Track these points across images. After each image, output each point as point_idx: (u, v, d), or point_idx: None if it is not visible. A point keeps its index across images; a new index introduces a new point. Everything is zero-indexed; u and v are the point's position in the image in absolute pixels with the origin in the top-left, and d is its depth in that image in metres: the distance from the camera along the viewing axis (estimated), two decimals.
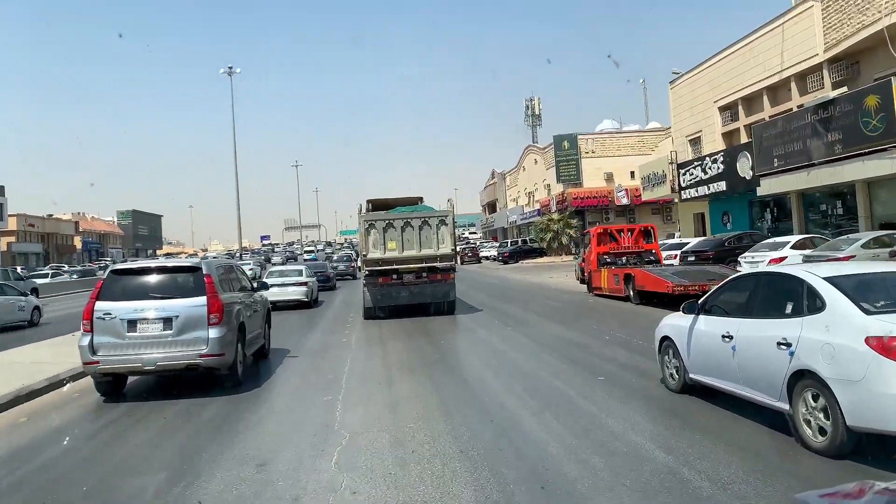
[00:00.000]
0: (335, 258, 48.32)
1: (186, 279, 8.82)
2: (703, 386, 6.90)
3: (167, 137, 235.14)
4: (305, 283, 21.68)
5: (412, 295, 16.99)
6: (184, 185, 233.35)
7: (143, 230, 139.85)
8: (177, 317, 8.41)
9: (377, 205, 18.83)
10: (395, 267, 16.63)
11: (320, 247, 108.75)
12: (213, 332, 8.45)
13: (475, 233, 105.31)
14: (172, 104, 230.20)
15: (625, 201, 49.07)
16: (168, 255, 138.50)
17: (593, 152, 50.37)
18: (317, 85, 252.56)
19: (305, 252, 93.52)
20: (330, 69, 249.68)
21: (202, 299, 8.50)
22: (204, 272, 8.78)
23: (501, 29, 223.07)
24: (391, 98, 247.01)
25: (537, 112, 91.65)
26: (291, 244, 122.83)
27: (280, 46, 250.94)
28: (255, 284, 11.66)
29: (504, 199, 75.29)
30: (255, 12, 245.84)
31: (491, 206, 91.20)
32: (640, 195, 48.88)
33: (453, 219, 17.27)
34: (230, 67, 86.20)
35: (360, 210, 17.45)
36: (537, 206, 59.22)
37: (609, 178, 50.10)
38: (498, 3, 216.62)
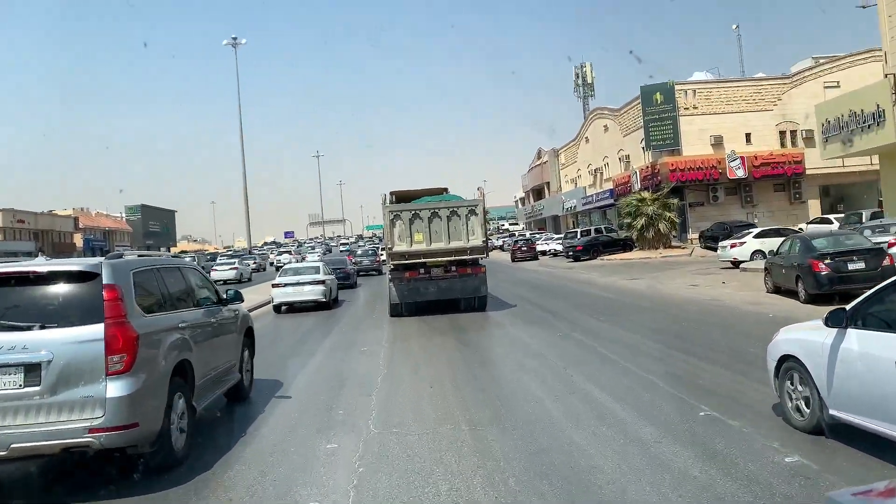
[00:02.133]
0: (359, 252, 44.10)
1: (71, 294, 5.39)
2: (852, 426, 4.92)
3: (191, 133, 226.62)
4: (322, 282, 19.74)
5: (441, 290, 15.93)
6: (208, 181, 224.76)
7: (155, 226, 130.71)
8: (48, 362, 5.00)
9: (401, 196, 17.49)
10: (423, 260, 15.61)
11: (352, 239, 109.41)
12: (116, 388, 5.07)
13: (516, 223, 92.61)
14: (198, 100, 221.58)
15: (740, 173, 36.05)
16: (183, 252, 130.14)
17: (695, 108, 37.36)
18: (339, 76, 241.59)
19: (341, 245, 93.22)
20: (351, 59, 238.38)
21: (96, 330, 5.12)
22: (104, 280, 5.31)
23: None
24: (415, 88, 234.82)
25: (589, 80, 78.61)
26: (314, 239, 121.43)
27: (302, 35, 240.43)
28: (226, 294, 7.72)
29: (557, 182, 62.41)
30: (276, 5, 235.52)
31: (537, 192, 78.30)
32: (758, 164, 35.98)
33: (483, 208, 16.25)
34: (234, 38, 75.63)
35: (384, 200, 16.62)
36: (609, 186, 46.36)
37: (717, 142, 37.10)
38: None
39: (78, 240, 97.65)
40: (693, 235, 36.59)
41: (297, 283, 19.59)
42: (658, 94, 37.07)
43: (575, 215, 58.91)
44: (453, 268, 15.86)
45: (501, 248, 66.52)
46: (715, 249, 33.38)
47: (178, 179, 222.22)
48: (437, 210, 15.56)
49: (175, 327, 6.07)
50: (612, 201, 45.76)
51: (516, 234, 68.38)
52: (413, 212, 15.60)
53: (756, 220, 34.40)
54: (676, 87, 37.03)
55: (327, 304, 19.80)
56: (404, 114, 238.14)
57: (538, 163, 73.33)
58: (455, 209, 15.62)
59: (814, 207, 37.68)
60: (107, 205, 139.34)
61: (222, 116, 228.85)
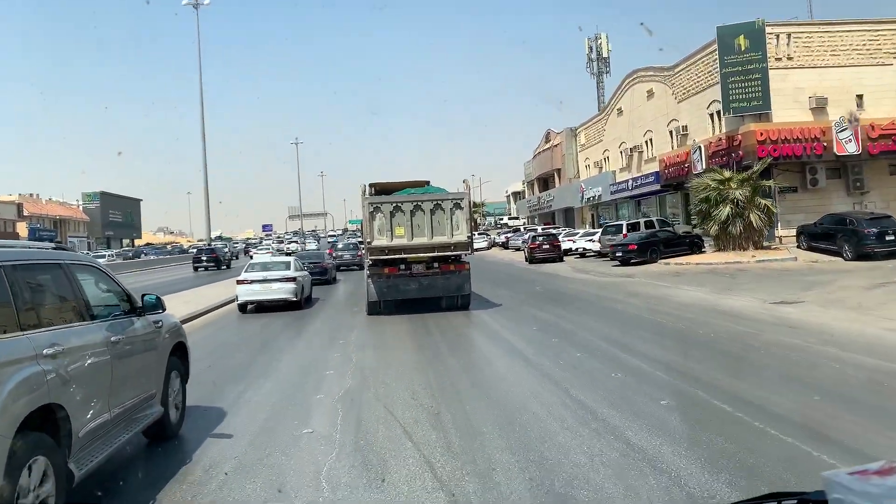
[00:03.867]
0: (340, 245, 41.78)
1: None
2: None
3: (165, 122, 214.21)
4: (293, 279, 17.85)
5: (422, 288, 15.20)
6: (185, 171, 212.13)
7: (116, 215, 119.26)
8: None
9: (381, 189, 16.66)
10: (403, 256, 14.97)
11: (339, 232, 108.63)
12: None
13: (516, 217, 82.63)
14: (175, 91, 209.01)
15: (851, 148, 26.26)
16: (148, 244, 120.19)
17: (789, 59, 27.45)
18: (323, 61, 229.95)
19: (329, 237, 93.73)
20: (335, 40, 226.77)
21: None
22: None
23: None
24: (402, 77, 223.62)
25: (605, 54, 68.64)
26: (294, 232, 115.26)
27: (292, 16, 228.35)
28: (142, 301, 6.02)
29: (574, 167, 52.41)
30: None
31: (543, 182, 68.30)
32: (875, 136, 26.33)
33: (469, 202, 15.45)
34: None
35: (364, 192, 15.70)
36: (653, 168, 36.43)
37: (819, 106, 27.29)
38: None
39: (22, 229, 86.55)
40: (785, 232, 26.78)
41: (265, 280, 17.82)
42: (742, 37, 27.11)
43: (595, 207, 48.99)
44: (436, 264, 15.19)
45: (504, 245, 56.63)
46: (824, 251, 23.76)
47: (158, 168, 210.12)
48: (420, 203, 14.81)
49: (33, 356, 4.08)
50: (657, 187, 35.89)
51: (523, 228, 58.34)
52: (395, 204, 14.85)
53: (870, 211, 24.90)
54: (767, 28, 27.07)
55: (298, 304, 17.96)
56: (390, 104, 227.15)
57: (546, 147, 63.28)
58: (439, 202, 14.91)
59: None
60: (64, 192, 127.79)
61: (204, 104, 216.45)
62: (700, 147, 30.26)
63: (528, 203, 69.68)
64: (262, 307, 17.94)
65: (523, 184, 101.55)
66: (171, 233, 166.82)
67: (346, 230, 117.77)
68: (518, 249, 50.21)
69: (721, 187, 25.33)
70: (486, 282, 25.50)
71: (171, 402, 6.27)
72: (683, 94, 33.12)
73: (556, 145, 60.44)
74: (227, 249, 55.08)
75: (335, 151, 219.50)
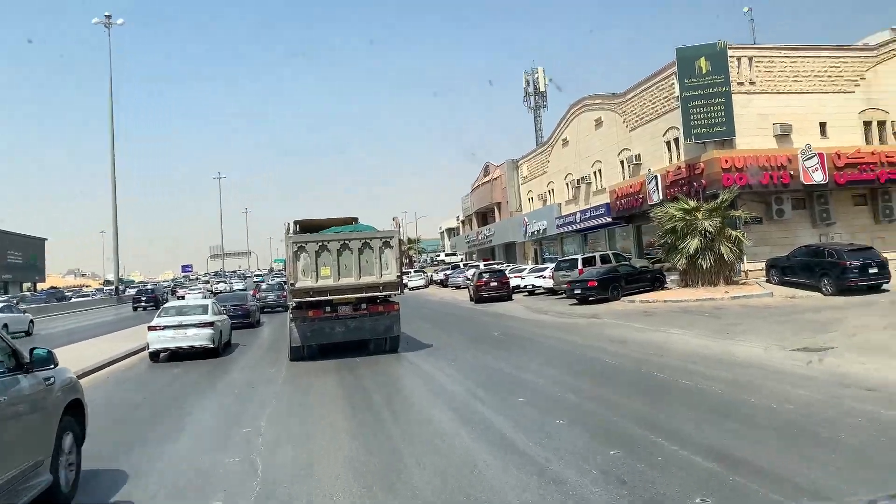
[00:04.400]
0: (264, 287, 39.76)
1: None
2: None
3: (77, 158, 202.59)
4: (210, 324, 16.33)
5: (349, 331, 14.43)
6: (98, 209, 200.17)
7: (16, 257, 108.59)
8: None
9: (306, 226, 15.58)
10: (329, 298, 14.03)
11: (264, 272, 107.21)
12: None
13: (453, 253, 79.90)
14: (87, 124, 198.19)
15: (818, 177, 24.68)
16: (53, 288, 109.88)
17: (751, 84, 25.84)
18: (244, 94, 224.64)
19: (255, 276, 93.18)
20: (260, 77, 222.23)
21: None
22: None
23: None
24: (331, 111, 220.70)
25: (542, 89, 67.69)
26: (216, 273, 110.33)
27: (216, 55, 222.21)
28: (31, 356, 5.48)
29: (516, 200, 50.13)
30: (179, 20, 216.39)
31: (482, 217, 66.05)
32: (841, 165, 24.98)
33: (399, 240, 15.06)
34: (108, 16, 60.24)
35: (288, 230, 15.03)
36: (602, 199, 34.31)
37: (784, 133, 25.72)
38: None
39: None
40: (751, 266, 24.77)
41: (180, 326, 16.18)
42: (703, 59, 25.32)
43: (539, 241, 46.70)
44: (363, 305, 14.34)
45: (443, 283, 53.54)
46: (799, 285, 21.75)
47: (68, 207, 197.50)
48: (347, 241, 13.99)
49: None
50: (607, 219, 33.73)
51: (462, 265, 55.50)
52: (320, 243, 13.93)
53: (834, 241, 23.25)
54: (730, 50, 25.41)
55: (216, 351, 16.37)
56: (319, 139, 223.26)
57: (486, 180, 61.12)
58: (368, 241, 14.12)
59: None
60: None
61: (121, 140, 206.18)
62: (656, 176, 28.24)
63: (467, 238, 67.09)
64: (177, 355, 16.16)
65: (458, 220, 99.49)
66: (84, 275, 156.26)
67: (271, 270, 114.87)
68: (458, 287, 47.26)
69: (688, 217, 23.11)
70: (431, 325, 22.21)
71: (63, 467, 5.62)
72: (636, 121, 31.26)
73: (495, 178, 58.33)
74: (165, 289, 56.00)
75: (261, 188, 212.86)
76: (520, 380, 10.54)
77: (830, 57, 26.54)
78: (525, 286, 32.63)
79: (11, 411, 4.80)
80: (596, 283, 23.84)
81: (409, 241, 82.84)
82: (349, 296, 14.07)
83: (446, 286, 51.67)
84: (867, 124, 26.58)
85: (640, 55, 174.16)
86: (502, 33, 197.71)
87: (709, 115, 25.24)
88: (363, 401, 9.78)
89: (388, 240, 14.31)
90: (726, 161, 24.41)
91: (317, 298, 13.93)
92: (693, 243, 22.41)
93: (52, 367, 5.63)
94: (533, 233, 44.82)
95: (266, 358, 15.94)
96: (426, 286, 57.08)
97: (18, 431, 4.88)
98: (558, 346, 14.58)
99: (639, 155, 31.02)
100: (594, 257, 28.10)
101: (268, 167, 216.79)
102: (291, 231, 15.13)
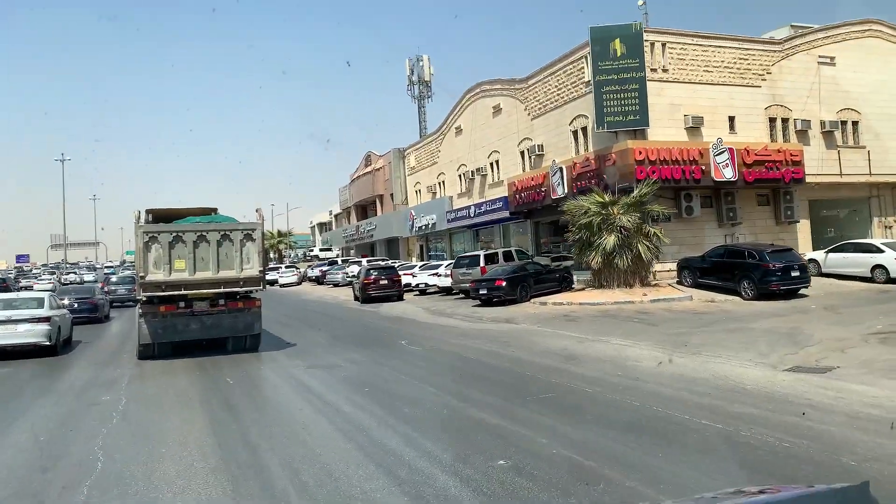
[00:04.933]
0: (114, 279, 37.38)
1: None
2: None
3: None
4: (46, 319, 14.73)
5: (205, 328, 13.55)
6: None
7: None
8: None
9: (160, 216, 14.86)
10: (184, 293, 13.15)
11: (116, 264, 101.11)
12: None
13: (329, 248, 75.31)
14: None
15: (728, 174, 23.62)
16: None
17: (664, 71, 24.30)
18: (90, 69, 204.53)
19: (106, 268, 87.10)
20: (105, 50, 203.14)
21: None
22: None
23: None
24: (191, 91, 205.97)
25: (427, 78, 65.02)
26: (57, 265, 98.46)
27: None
28: None
29: (401, 192, 46.88)
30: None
31: (361, 210, 62.26)
32: (750, 162, 24.23)
33: (262, 233, 14.09)
34: None
35: (138, 218, 14.02)
36: (500, 193, 31.96)
37: (695, 125, 24.43)
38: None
39: None
40: (660, 266, 23.24)
41: (9, 321, 14.38)
42: (617, 41, 23.35)
43: (425, 237, 43.83)
44: (221, 301, 13.56)
45: (319, 280, 49.32)
46: (716, 288, 20.38)
47: None
48: (205, 233, 13.21)
49: None
50: (504, 214, 31.40)
51: (340, 260, 51.42)
52: (175, 234, 13.11)
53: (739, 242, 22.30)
54: (645, 34, 23.66)
55: (53, 349, 14.82)
56: (177, 122, 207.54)
57: (367, 170, 57.40)
58: (228, 233, 13.38)
59: (804, 230, 26.62)
60: None
61: None
62: (561, 168, 26.14)
63: (345, 233, 62.93)
64: (6, 353, 14.37)
65: (330, 214, 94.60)
66: None
67: (123, 262, 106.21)
68: (337, 285, 43.39)
69: (603, 212, 21.05)
70: (315, 329, 18.51)
71: None
72: (539, 109, 29.08)
73: (378, 169, 54.80)
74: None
75: (113, 175, 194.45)
76: (502, 433, 7.31)
77: (740, 49, 25.64)
78: (417, 285, 29.55)
79: None
80: (504, 283, 21.20)
81: (280, 234, 77.08)
82: (206, 291, 13.26)
83: (322, 283, 47.51)
84: (772, 121, 25.96)
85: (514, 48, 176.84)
86: (380, 20, 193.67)
87: (622, 102, 23.37)
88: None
89: (250, 232, 13.55)
90: (640, 152, 22.59)
91: (169, 293, 13.05)
92: (610, 240, 20.36)
93: None
94: (420, 227, 41.82)
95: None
96: (299, 283, 52.55)
97: None
98: (498, 363, 11.48)
99: (542, 145, 28.87)
100: (496, 254, 25.51)
101: (116, 154, 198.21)
102: (143, 220, 14.28)
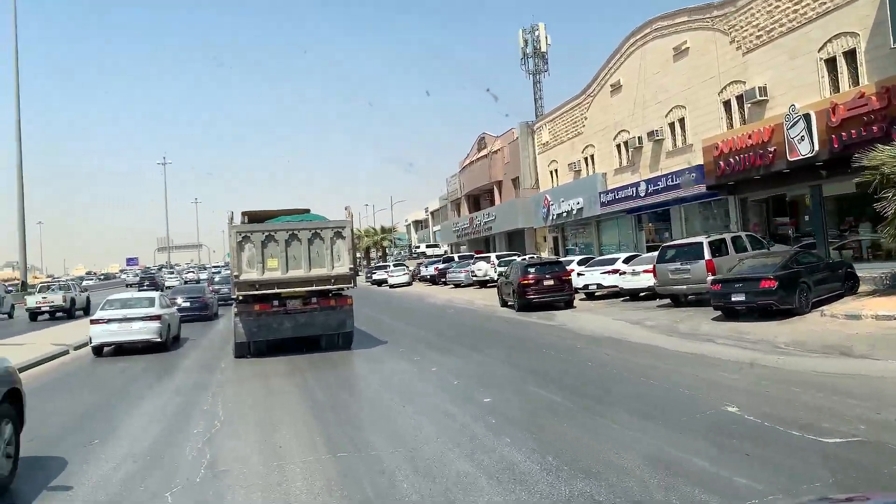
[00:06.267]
0: (217, 279, 40.16)
1: None
2: None
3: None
4: (158, 317, 15.83)
5: (298, 326, 13.69)
6: (37, 199, 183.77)
7: None
8: None
9: (255, 217, 15.15)
10: (277, 291, 13.44)
11: (223, 265, 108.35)
12: None
13: (436, 245, 68.89)
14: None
15: None
16: None
17: None
18: (207, 76, 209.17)
19: (213, 268, 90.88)
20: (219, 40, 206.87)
21: None
22: None
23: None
24: (295, 95, 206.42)
25: (543, 49, 57.02)
26: (161, 267, 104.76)
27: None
28: None
29: (530, 176, 39.23)
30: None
31: (473, 201, 55.35)
32: None
33: (352, 231, 14.33)
34: None
35: (231, 219, 14.14)
36: (679, 164, 23.91)
37: None
38: None
39: None
40: None
41: (124, 319, 15.64)
42: None
43: (559, 228, 36.16)
44: (314, 299, 13.72)
45: (434, 279, 42.70)
46: None
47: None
48: (296, 231, 13.42)
49: None
50: (697, 190, 23.35)
51: (457, 257, 44.49)
52: (266, 233, 13.36)
53: None
54: None
55: (164, 345, 15.91)
56: (273, 127, 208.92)
57: (480, 155, 50.35)
58: (318, 231, 13.56)
59: None
60: None
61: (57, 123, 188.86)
62: (807, 115, 17.88)
63: (455, 226, 56.06)
64: (122, 349, 15.73)
65: (426, 211, 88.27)
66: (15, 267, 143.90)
67: (227, 263, 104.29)
68: (458, 285, 36.56)
69: None
70: (509, 367, 11.16)
71: (1, 454, 5.81)
72: (760, 37, 20.78)
73: (495, 152, 47.57)
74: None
75: (215, 178, 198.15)
76: None
77: None
78: (585, 286, 22.00)
79: None
80: (775, 284, 13.27)
81: (384, 230, 71.44)
82: (298, 289, 13.43)
83: (439, 283, 40.84)
84: None
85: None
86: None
87: None
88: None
89: (339, 230, 13.63)
90: None
91: (263, 292, 13.27)
92: None
93: None
94: (559, 215, 34.17)
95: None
96: (410, 283, 46.22)
97: None
98: None
99: (764, 87, 20.58)
100: (723, 241, 17.53)
101: (220, 158, 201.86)
102: (236, 221, 14.33)
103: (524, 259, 25.87)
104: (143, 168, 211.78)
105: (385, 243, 69.96)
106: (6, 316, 31.38)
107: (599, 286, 21.68)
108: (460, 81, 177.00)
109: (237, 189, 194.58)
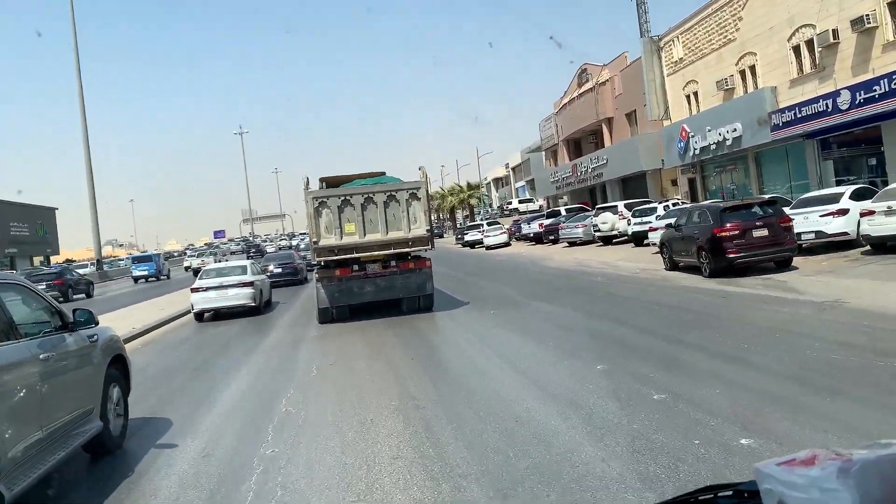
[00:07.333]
0: (301, 246, 41.65)
1: None
2: None
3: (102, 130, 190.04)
4: (251, 284, 17.09)
5: (378, 290, 13.77)
6: (124, 179, 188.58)
7: (21, 229, 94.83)
8: None
9: (331, 183, 15.28)
10: (356, 255, 13.54)
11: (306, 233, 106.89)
12: None
13: (530, 200, 62.61)
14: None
15: None
16: (68, 261, 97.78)
17: None
18: (277, 43, 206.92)
19: (300, 234, 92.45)
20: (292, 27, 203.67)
21: None
22: None
23: None
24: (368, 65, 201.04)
25: None
26: (244, 239, 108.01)
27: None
28: (74, 317, 6.06)
29: (657, 105, 32.05)
30: None
31: (574, 146, 48.46)
32: None
33: (427, 191, 14.03)
34: None
35: (307, 185, 13.94)
36: None
37: None
38: None
39: None
40: None
41: (220, 287, 16.92)
42: None
43: (698, 167, 29.17)
44: (393, 262, 13.79)
45: (540, 238, 36.60)
46: None
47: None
48: (371, 195, 13.37)
49: None
50: None
51: (565, 210, 38.11)
52: (342, 198, 13.37)
53: None
54: None
55: (257, 309, 17.20)
56: (351, 92, 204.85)
57: (582, 90, 43.30)
58: (393, 193, 13.45)
59: None
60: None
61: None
62: None
63: (553, 177, 49.43)
64: (220, 315, 17.16)
65: (507, 167, 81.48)
66: (121, 245, 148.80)
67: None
68: (573, 244, 30.44)
69: None
70: None
71: (112, 415, 6.23)
72: None
73: (602, 83, 40.53)
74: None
75: (294, 147, 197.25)
76: None
77: None
78: (798, 235, 15.49)
79: (61, 366, 5.40)
80: None
81: (470, 186, 65.61)
82: (377, 253, 13.42)
83: (546, 242, 34.77)
84: None
85: None
86: None
87: None
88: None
89: (414, 191, 13.46)
90: None
91: (342, 257, 13.38)
92: None
93: (92, 325, 6.15)
94: (703, 149, 27.19)
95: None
96: (508, 243, 40.43)
97: (68, 383, 5.50)
98: None
99: None
100: None
101: (296, 128, 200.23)
102: (315, 188, 14.44)
103: (716, 202, 19.47)
104: (225, 141, 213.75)
105: (472, 201, 64.16)
106: (166, 277, 45.32)
107: (819, 234, 15.10)
108: (525, 30, 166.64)
109: (316, 156, 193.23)
